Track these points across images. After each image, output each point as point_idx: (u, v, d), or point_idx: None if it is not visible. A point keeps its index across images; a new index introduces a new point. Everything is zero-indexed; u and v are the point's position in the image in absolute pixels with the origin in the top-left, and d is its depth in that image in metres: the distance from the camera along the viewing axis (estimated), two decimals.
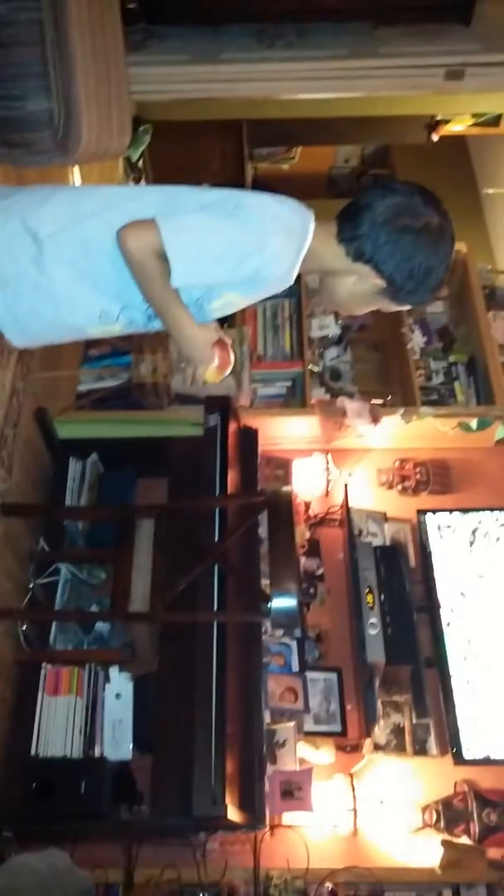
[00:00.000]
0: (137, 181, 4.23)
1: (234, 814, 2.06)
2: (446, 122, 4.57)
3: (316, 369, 3.34)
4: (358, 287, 1.33)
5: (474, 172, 5.19)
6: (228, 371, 1.47)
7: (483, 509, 2.93)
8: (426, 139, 4.64)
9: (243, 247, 1.22)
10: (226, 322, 1.51)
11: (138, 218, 1.24)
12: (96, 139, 2.36)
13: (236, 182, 4.63)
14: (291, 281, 1.34)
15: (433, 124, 4.58)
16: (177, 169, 4.61)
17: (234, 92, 3.53)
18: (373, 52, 3.41)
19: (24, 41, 1.92)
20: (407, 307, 1.40)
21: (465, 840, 2.34)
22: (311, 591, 2.82)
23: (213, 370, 1.43)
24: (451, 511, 2.94)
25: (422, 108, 4.27)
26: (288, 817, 2.38)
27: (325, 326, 3.43)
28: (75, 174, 3.27)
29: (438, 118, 4.52)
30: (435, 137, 4.63)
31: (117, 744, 2.37)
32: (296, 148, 5.07)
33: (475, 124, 4.61)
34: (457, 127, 4.64)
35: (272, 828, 2.33)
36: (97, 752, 2.34)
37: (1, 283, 1.31)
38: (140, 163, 4.24)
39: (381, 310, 1.39)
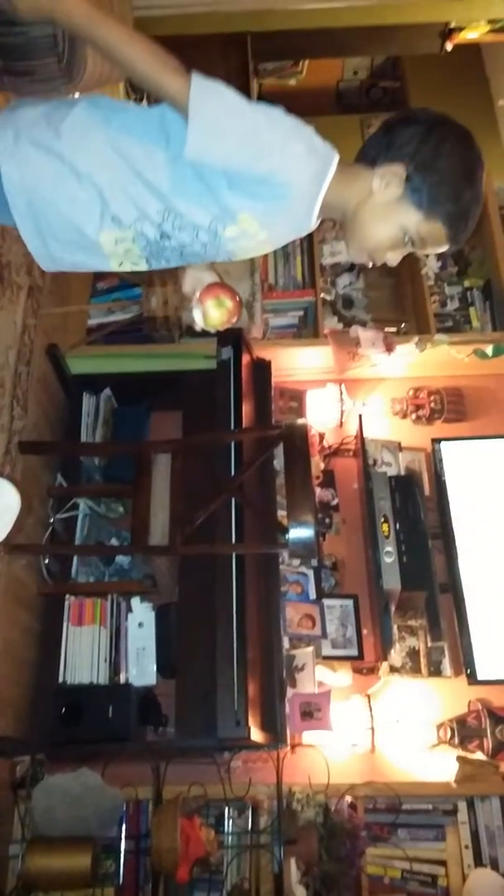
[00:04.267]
0: (139, 102, 4.07)
1: (256, 734, 2.14)
2: (461, 29, 4.34)
3: (328, 298, 3.27)
4: (380, 198, 1.24)
5: (490, 84, 4.95)
6: (234, 318, 1.46)
7: (498, 436, 2.92)
8: (440, 48, 4.41)
9: (267, 138, 1.15)
10: None
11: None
12: (101, 62, 2.25)
13: None
14: (312, 221, 1.27)
15: (447, 32, 4.35)
16: None
17: (237, 5, 3.35)
18: None
19: None
20: (439, 226, 1.24)
21: (479, 755, 2.42)
22: (327, 521, 2.85)
23: (219, 314, 1.42)
24: (465, 439, 2.93)
25: (435, 16, 4.04)
26: (308, 737, 2.46)
27: (337, 253, 3.35)
28: None
29: (452, 26, 4.29)
30: (449, 46, 4.39)
31: (142, 670, 2.45)
32: (303, 61, 4.83)
33: (492, 31, 4.38)
34: (472, 34, 4.41)
35: (293, 747, 2.42)
36: (123, 679, 2.42)
37: (39, 231, 1.28)
38: None
39: (411, 243, 1.29)
